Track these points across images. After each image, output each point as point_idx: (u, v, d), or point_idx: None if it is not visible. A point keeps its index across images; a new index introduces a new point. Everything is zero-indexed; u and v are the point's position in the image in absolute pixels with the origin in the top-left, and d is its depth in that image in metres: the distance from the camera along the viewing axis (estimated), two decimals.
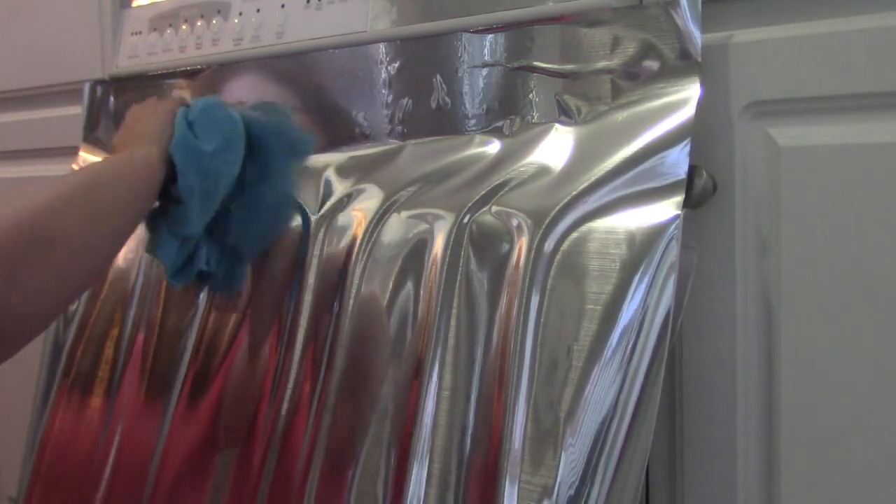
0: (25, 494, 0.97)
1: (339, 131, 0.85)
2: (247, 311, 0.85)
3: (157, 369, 0.90)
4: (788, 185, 0.65)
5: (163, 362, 0.90)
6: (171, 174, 0.75)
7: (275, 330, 0.82)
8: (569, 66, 0.71)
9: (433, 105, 0.79)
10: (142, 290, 0.94)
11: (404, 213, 0.77)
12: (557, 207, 0.69)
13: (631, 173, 0.67)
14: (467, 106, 0.77)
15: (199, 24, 0.95)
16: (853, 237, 0.63)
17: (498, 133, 0.75)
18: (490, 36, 0.75)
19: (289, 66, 0.88)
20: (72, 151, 1.07)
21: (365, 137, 0.83)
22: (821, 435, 0.65)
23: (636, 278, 0.64)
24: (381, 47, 0.82)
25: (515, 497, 0.64)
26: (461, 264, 0.72)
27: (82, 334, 0.98)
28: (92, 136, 1.06)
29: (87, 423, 0.94)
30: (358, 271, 0.78)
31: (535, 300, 0.67)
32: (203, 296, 0.89)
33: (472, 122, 0.77)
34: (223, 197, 0.77)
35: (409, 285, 0.74)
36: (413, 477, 0.69)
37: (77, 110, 1.08)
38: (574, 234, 0.67)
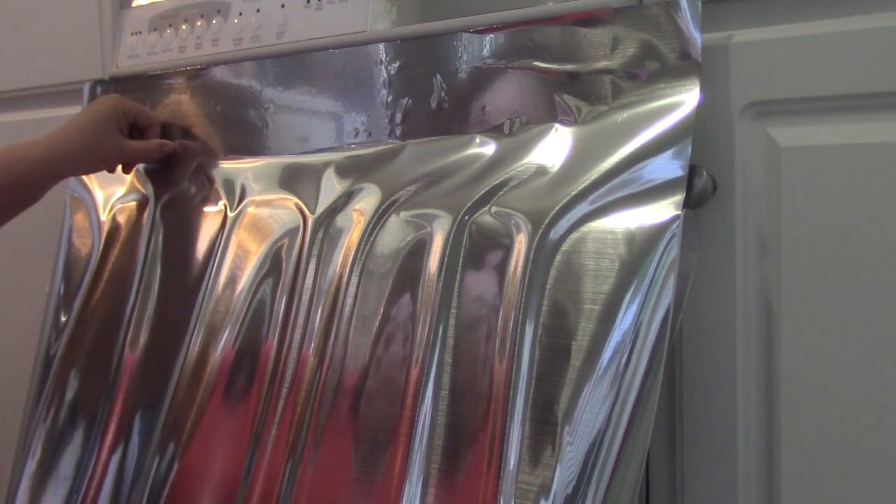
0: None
1: (338, 131, 0.85)
2: (242, 317, 0.85)
3: (148, 387, 0.90)
4: (788, 185, 0.65)
5: (153, 380, 0.90)
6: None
7: (271, 332, 0.82)
8: (569, 66, 0.71)
9: (433, 105, 0.79)
10: (138, 308, 0.94)
11: (403, 214, 0.77)
12: (557, 207, 0.69)
13: (631, 173, 0.67)
14: (467, 106, 0.77)
15: (199, 24, 0.95)
16: (853, 237, 0.63)
17: (498, 133, 0.75)
18: (490, 36, 0.75)
19: (289, 66, 0.88)
20: None
21: (365, 137, 0.83)
22: (820, 434, 0.65)
23: (636, 278, 0.64)
24: (381, 47, 0.82)
25: (513, 496, 0.64)
26: (460, 265, 0.72)
27: (73, 347, 0.98)
28: None
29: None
30: (357, 272, 0.78)
31: (534, 300, 0.67)
32: (195, 312, 0.89)
33: (472, 121, 0.77)
34: None
35: (408, 286, 0.74)
36: (412, 476, 0.69)
37: (77, 110, 1.08)
38: (574, 234, 0.67)
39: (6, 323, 1.19)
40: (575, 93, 0.71)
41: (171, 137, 0.97)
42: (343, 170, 0.83)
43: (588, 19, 0.70)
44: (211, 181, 0.94)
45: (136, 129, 0.94)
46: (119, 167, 0.96)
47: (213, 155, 0.95)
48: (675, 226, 0.63)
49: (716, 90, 0.67)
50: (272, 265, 0.85)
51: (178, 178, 0.97)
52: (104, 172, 1.03)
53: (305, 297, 0.81)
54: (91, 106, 0.90)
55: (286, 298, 0.82)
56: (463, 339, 0.70)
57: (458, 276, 0.72)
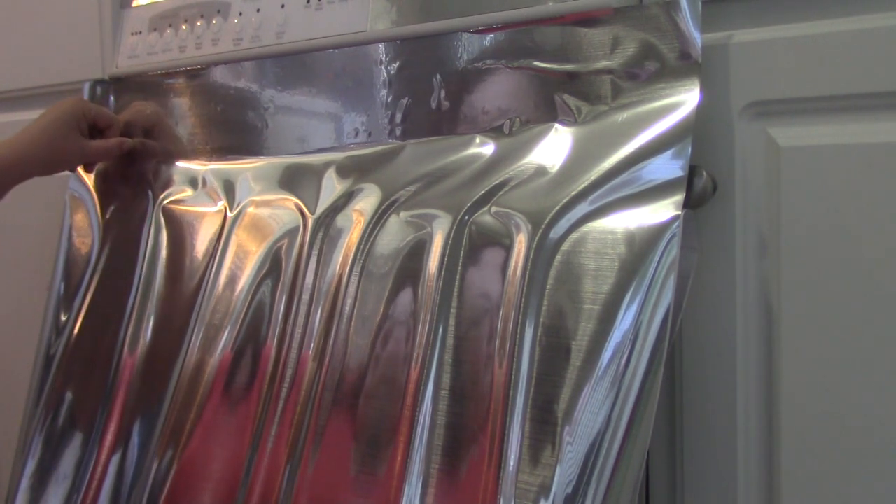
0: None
1: (338, 131, 0.85)
2: (242, 317, 0.85)
3: (146, 389, 0.90)
4: (788, 185, 0.65)
5: (152, 380, 0.90)
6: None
7: (271, 332, 0.82)
8: (569, 66, 0.71)
9: (433, 105, 0.79)
10: (137, 308, 0.94)
11: (403, 214, 0.77)
12: (557, 208, 0.69)
13: (631, 173, 0.67)
14: (467, 106, 0.77)
15: (199, 24, 0.95)
16: (853, 237, 0.63)
17: (497, 133, 0.75)
18: (490, 36, 0.75)
19: (289, 66, 0.88)
20: None
21: (365, 137, 0.83)
22: (820, 434, 0.65)
23: (636, 278, 0.64)
24: (381, 47, 0.82)
25: (513, 496, 0.64)
26: (460, 265, 0.72)
27: (73, 347, 0.98)
28: None
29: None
30: (356, 272, 0.78)
31: (534, 300, 0.67)
32: (195, 312, 0.89)
33: (472, 121, 0.77)
34: None
35: (408, 286, 0.74)
36: (412, 476, 0.69)
37: None
38: (574, 235, 0.67)
39: (6, 323, 1.19)
40: (575, 93, 0.71)
41: (133, 136, 0.99)
42: (343, 170, 0.83)
43: (588, 19, 0.70)
44: (211, 181, 0.94)
45: (95, 130, 0.96)
46: (81, 167, 0.99)
47: (171, 155, 0.97)
48: (675, 226, 0.63)
49: (716, 90, 0.67)
50: (272, 265, 0.85)
51: (177, 178, 0.97)
52: (104, 172, 1.03)
53: (305, 297, 0.81)
54: (51, 109, 0.93)
55: (286, 298, 0.82)
56: (463, 339, 0.70)
57: (457, 276, 0.72)
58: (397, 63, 0.81)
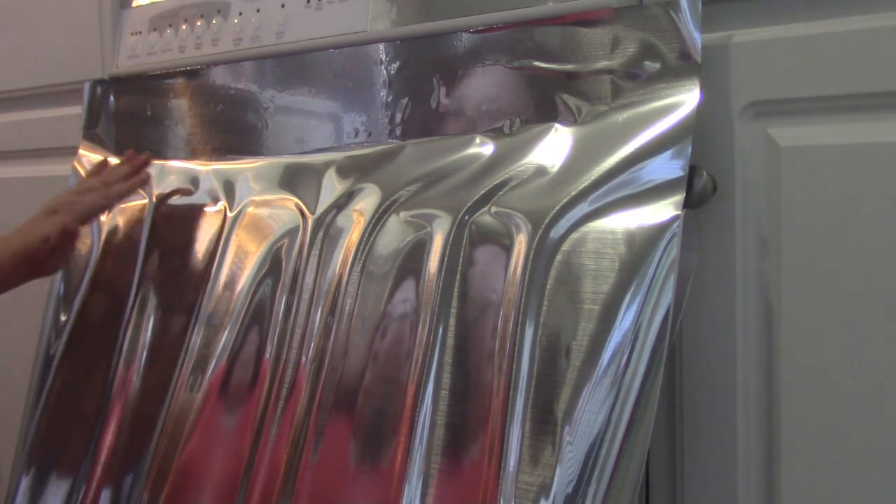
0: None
1: (338, 131, 0.85)
2: (242, 317, 0.85)
3: (145, 404, 0.90)
4: (788, 185, 0.65)
5: (153, 380, 0.90)
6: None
7: (271, 332, 0.82)
8: (569, 66, 0.71)
9: (433, 105, 0.79)
10: (137, 308, 0.94)
11: (403, 214, 0.77)
12: (557, 208, 0.69)
13: (631, 173, 0.67)
14: (467, 106, 0.77)
15: (199, 24, 0.95)
16: (853, 237, 0.63)
17: (498, 133, 0.75)
18: (490, 36, 0.75)
19: (288, 66, 0.88)
20: (72, 151, 1.07)
21: (365, 137, 0.83)
22: (821, 434, 0.65)
23: (636, 278, 0.64)
24: (381, 47, 0.82)
25: (513, 496, 0.64)
26: (460, 265, 0.72)
27: (73, 346, 0.98)
28: (91, 135, 1.06)
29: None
30: (357, 272, 0.78)
31: (534, 300, 0.67)
32: (195, 312, 0.89)
33: (472, 122, 0.77)
34: None
35: (408, 286, 0.74)
36: (412, 476, 0.69)
37: (77, 110, 1.08)
38: (574, 235, 0.67)
39: (6, 323, 1.19)
40: (575, 93, 0.71)
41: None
42: (343, 170, 0.83)
43: (588, 19, 0.70)
44: (211, 181, 0.94)
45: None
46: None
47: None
48: (675, 226, 0.63)
49: (716, 90, 0.67)
50: (272, 265, 0.85)
51: (177, 178, 0.97)
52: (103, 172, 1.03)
53: (305, 297, 0.81)
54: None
55: (286, 298, 0.82)
56: (463, 339, 0.70)
57: (458, 277, 0.72)
58: (397, 63, 0.81)
